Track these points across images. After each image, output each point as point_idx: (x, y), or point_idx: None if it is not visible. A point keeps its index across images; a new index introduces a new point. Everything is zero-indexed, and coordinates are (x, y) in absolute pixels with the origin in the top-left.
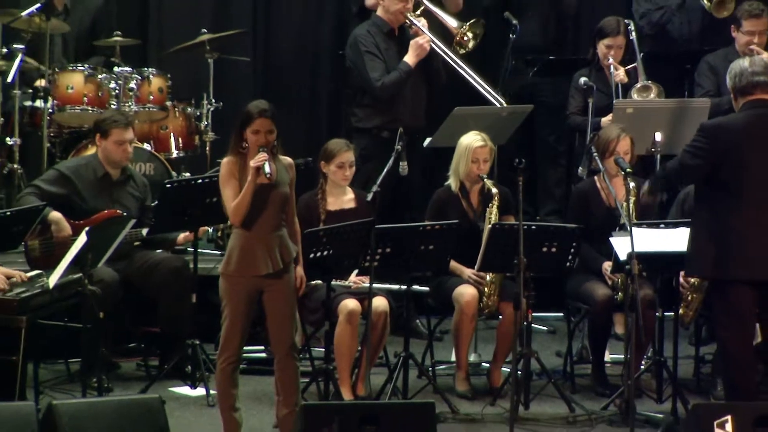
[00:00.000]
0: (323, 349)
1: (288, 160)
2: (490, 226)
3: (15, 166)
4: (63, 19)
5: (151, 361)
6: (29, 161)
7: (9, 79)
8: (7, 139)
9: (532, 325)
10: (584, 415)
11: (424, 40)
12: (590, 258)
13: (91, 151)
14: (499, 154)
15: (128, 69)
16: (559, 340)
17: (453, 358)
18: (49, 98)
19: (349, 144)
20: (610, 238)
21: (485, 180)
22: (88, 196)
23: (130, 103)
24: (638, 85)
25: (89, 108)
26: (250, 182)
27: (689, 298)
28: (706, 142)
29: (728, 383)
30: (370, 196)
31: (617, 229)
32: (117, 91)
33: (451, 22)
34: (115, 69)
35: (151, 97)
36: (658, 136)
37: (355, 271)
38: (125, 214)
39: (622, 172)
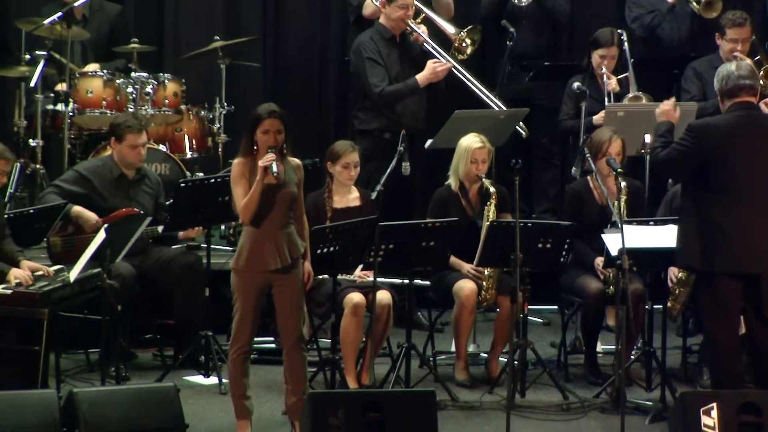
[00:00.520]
0: (329, 340)
1: (296, 161)
2: (488, 223)
3: (38, 166)
4: (82, 26)
5: (167, 352)
6: (51, 162)
7: (32, 84)
8: (30, 140)
9: (528, 317)
10: (577, 403)
11: (443, 67)
12: (583, 254)
13: (109, 152)
14: (496, 155)
15: (145, 74)
16: (553, 331)
17: (453, 348)
18: (70, 102)
19: (353, 145)
20: (602, 235)
21: (483, 180)
22: (106, 195)
23: (146, 107)
24: (630, 95)
25: (108, 111)
26: (258, 181)
27: (677, 291)
28: (693, 141)
29: (714, 372)
30: (374, 195)
31: (609, 226)
32: (134, 96)
33: (449, 29)
34: (132, 74)
35: (167, 101)
36: (648, 138)
37: (360, 266)
38: (141, 212)
39: (614, 172)
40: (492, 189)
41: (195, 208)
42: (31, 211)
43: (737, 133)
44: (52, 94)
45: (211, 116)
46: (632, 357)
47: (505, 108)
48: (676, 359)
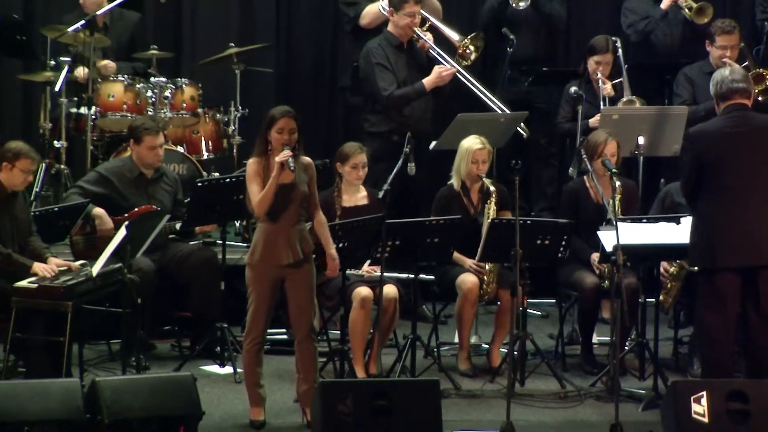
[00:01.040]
0: (339, 332)
1: (307, 159)
2: (489, 220)
3: (62, 166)
4: (104, 33)
5: (184, 343)
6: (75, 162)
7: (56, 89)
8: (55, 142)
9: (528, 310)
10: (574, 391)
11: (448, 72)
12: (580, 249)
13: (129, 153)
14: (497, 156)
15: (163, 79)
16: (551, 323)
17: (456, 339)
18: (93, 106)
19: (362, 147)
20: (598, 232)
21: (484, 179)
22: (127, 194)
23: (165, 110)
24: (624, 99)
25: (128, 114)
26: (274, 177)
27: (669, 285)
28: (691, 147)
29: (706, 362)
30: (381, 194)
31: (604, 223)
32: (153, 99)
33: (454, 36)
34: (152, 79)
35: (184, 104)
36: (641, 140)
37: (368, 262)
38: (160, 209)
39: (609, 173)
40: (492, 188)
41: (211, 206)
42: (56, 209)
43: (731, 133)
44: (75, 98)
45: (226, 119)
46: (626, 348)
47: (507, 110)
48: (668, 350)
